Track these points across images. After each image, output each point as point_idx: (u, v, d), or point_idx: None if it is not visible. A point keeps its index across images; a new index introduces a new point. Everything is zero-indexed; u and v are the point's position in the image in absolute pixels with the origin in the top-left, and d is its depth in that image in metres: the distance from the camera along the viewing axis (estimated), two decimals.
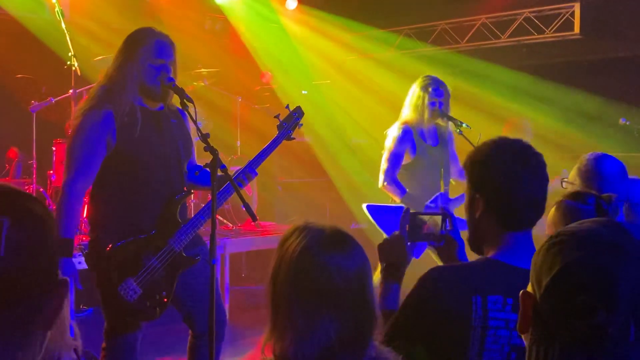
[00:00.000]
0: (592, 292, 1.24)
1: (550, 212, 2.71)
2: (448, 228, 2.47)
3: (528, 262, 2.09)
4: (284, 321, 1.67)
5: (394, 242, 2.42)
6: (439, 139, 5.31)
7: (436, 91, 5.21)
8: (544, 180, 2.17)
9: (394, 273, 2.39)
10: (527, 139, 7.32)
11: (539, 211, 2.19)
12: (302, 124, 4.04)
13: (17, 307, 1.10)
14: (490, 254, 2.18)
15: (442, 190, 5.32)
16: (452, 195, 5.30)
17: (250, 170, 3.75)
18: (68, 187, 3.45)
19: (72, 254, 3.45)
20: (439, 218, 2.47)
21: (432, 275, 2.15)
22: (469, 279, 2.13)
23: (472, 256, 2.38)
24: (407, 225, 2.43)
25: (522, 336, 1.39)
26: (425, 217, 2.49)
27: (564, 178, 6.90)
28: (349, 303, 1.68)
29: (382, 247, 2.43)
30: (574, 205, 2.61)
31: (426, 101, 5.18)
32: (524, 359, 1.99)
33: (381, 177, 5.23)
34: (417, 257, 5.10)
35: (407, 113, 5.25)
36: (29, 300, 1.12)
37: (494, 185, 2.15)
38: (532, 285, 1.35)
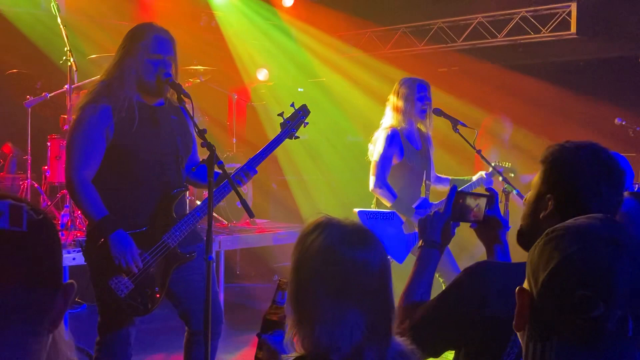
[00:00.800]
0: (590, 287, 1.23)
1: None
2: (493, 206, 2.42)
3: None
4: (312, 313, 1.69)
5: (434, 220, 2.39)
6: (421, 143, 5.30)
7: (421, 88, 5.19)
8: (620, 194, 2.06)
9: (430, 251, 2.36)
10: (507, 133, 7.33)
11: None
12: (307, 123, 3.99)
13: (34, 292, 1.13)
14: None
15: (423, 195, 5.33)
16: (432, 200, 5.30)
17: (250, 168, 3.74)
18: (74, 176, 3.46)
19: (116, 227, 3.43)
20: (482, 200, 2.42)
21: (481, 270, 2.09)
22: (517, 280, 2.06)
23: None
24: (452, 205, 2.39)
25: (518, 334, 1.38)
26: (470, 198, 2.43)
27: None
28: (374, 296, 1.71)
29: (421, 225, 2.41)
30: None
31: (414, 100, 5.16)
32: None
33: (372, 181, 5.20)
34: (400, 262, 5.10)
35: (394, 116, 5.21)
36: (45, 288, 1.15)
37: (570, 192, 2.01)
38: (529, 282, 1.34)
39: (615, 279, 1.23)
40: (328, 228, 1.74)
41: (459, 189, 2.43)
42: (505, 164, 5.52)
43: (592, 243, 1.27)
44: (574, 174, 2.03)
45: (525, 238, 2.10)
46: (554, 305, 1.27)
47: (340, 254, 1.69)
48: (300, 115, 3.97)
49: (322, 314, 1.67)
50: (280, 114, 3.95)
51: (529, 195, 2.13)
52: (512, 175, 5.59)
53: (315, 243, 1.72)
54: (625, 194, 2.61)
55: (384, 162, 5.16)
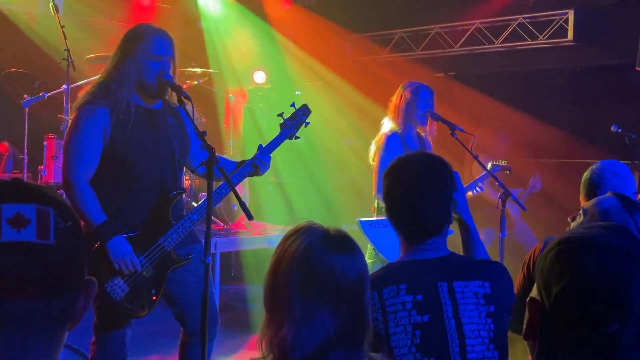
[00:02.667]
0: (605, 302, 1.22)
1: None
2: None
3: (424, 255, 2.33)
4: (283, 313, 1.69)
5: None
6: (420, 147, 5.29)
7: (425, 94, 5.19)
8: (433, 199, 2.35)
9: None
10: (502, 144, 7.30)
11: (433, 227, 2.36)
12: (309, 122, 3.98)
13: (61, 298, 1.11)
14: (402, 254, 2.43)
15: None
16: None
17: (247, 169, 3.74)
18: (72, 177, 3.46)
19: (114, 233, 3.43)
20: None
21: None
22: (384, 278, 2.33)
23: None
24: None
25: (527, 343, 1.37)
26: None
27: (538, 178, 6.93)
28: (348, 302, 1.72)
29: None
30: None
31: (416, 105, 5.15)
32: (428, 333, 2.21)
33: (375, 186, 5.17)
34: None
35: (395, 118, 5.20)
36: (70, 293, 1.12)
37: (388, 202, 2.44)
38: (540, 292, 1.32)
39: (631, 295, 1.22)
40: (309, 231, 1.76)
41: None
42: (501, 162, 5.54)
43: (606, 257, 1.25)
44: (385, 181, 2.49)
45: None
46: (567, 319, 1.26)
47: (318, 255, 1.72)
48: (300, 115, 3.95)
49: (291, 313, 1.68)
50: (280, 114, 3.92)
51: None
52: (508, 172, 5.60)
53: (294, 244, 1.74)
54: (608, 193, 2.68)
55: (385, 167, 5.14)
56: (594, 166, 3.55)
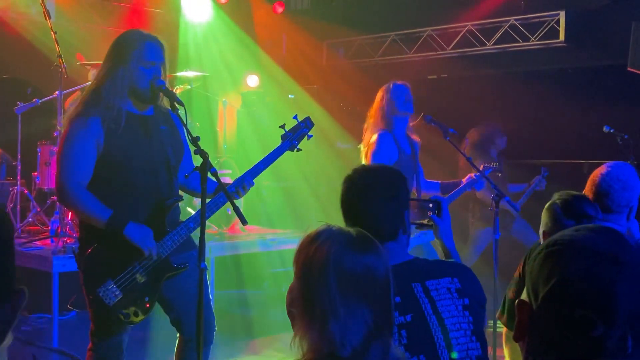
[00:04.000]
0: (591, 306, 1.23)
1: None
2: (434, 213, 2.78)
3: (392, 261, 2.26)
4: (325, 313, 1.78)
5: None
6: (410, 147, 5.31)
7: (399, 87, 5.22)
8: (382, 208, 2.45)
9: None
10: (498, 142, 7.32)
11: (385, 231, 2.42)
12: (311, 135, 3.96)
13: None
14: None
15: None
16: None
17: (247, 180, 3.72)
18: (67, 183, 3.45)
19: (126, 221, 3.42)
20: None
21: None
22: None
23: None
24: None
25: (518, 344, 1.38)
26: (413, 204, 2.78)
27: (544, 174, 6.98)
28: (381, 296, 1.84)
29: None
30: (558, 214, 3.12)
31: (394, 97, 5.18)
32: (414, 332, 2.24)
33: None
34: None
35: (379, 121, 5.22)
36: None
37: (344, 209, 2.54)
38: (528, 294, 1.33)
39: (616, 300, 1.22)
40: (333, 235, 1.85)
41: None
42: (493, 164, 5.56)
43: (592, 261, 1.26)
44: (341, 196, 2.58)
45: None
46: (554, 322, 1.27)
47: (352, 257, 1.82)
48: (302, 127, 3.92)
49: (334, 312, 1.77)
50: (282, 126, 3.88)
51: None
52: (499, 174, 5.62)
53: (322, 249, 1.82)
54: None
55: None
56: (603, 171, 3.55)
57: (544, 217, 3.21)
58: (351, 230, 1.89)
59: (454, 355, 2.29)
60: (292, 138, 3.88)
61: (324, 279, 1.79)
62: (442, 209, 2.75)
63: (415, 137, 5.32)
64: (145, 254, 3.45)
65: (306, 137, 3.95)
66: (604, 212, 3.33)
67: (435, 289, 2.37)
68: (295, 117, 3.94)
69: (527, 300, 1.34)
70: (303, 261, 1.85)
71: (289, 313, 1.92)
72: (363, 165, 2.64)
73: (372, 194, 2.47)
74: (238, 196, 3.66)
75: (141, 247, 3.43)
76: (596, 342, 1.23)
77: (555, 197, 3.21)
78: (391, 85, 5.24)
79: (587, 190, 3.54)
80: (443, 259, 2.80)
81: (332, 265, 1.79)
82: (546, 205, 3.22)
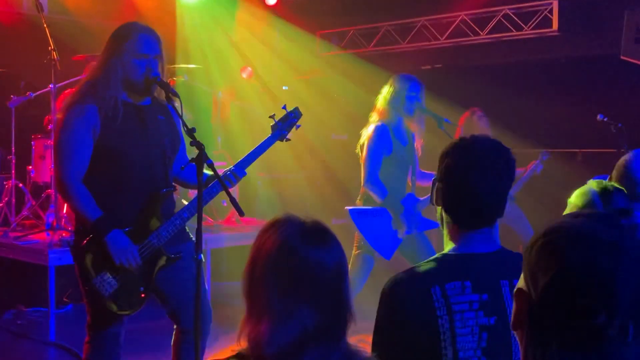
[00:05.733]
0: (592, 295, 1.23)
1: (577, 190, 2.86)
2: None
3: (483, 248, 2.20)
4: (261, 308, 1.69)
5: None
6: (407, 139, 5.31)
7: (415, 87, 5.21)
8: (503, 185, 2.20)
9: None
10: (482, 129, 7.34)
11: (492, 215, 2.23)
12: (300, 125, 3.95)
13: None
14: (446, 249, 2.26)
15: (410, 191, 5.33)
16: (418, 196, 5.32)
17: (238, 170, 3.72)
18: (65, 177, 3.46)
19: (112, 227, 3.43)
20: None
21: (387, 286, 2.18)
22: (423, 275, 2.17)
23: None
24: None
25: (516, 333, 1.38)
26: None
27: (543, 158, 6.98)
28: (326, 295, 1.71)
29: None
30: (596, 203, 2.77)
31: (405, 97, 5.18)
32: (495, 337, 2.10)
33: (364, 176, 5.18)
34: (387, 258, 5.14)
35: (383, 110, 5.22)
36: None
37: (445, 180, 2.23)
38: (527, 283, 1.33)
39: (617, 288, 1.22)
40: (286, 224, 1.75)
41: None
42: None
43: (592, 249, 1.25)
44: (448, 165, 2.22)
45: (438, 219, 2.34)
46: (554, 311, 1.27)
47: (295, 249, 1.70)
48: (291, 117, 3.91)
49: (269, 308, 1.67)
50: (272, 116, 3.89)
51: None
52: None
53: (272, 238, 1.73)
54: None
55: (374, 157, 5.14)
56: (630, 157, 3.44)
57: (577, 201, 2.93)
58: (307, 220, 1.76)
59: None
60: (282, 128, 3.89)
61: (265, 276, 1.70)
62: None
63: (412, 127, 5.33)
64: (115, 264, 3.44)
65: (295, 127, 3.94)
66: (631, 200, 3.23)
67: None
68: (284, 107, 3.94)
69: (525, 289, 1.33)
70: (253, 250, 1.76)
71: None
72: (474, 136, 2.29)
73: (487, 167, 2.17)
74: (230, 185, 3.64)
75: (114, 258, 3.43)
76: (598, 331, 1.23)
77: (593, 184, 2.95)
78: (408, 84, 5.20)
79: (615, 178, 3.46)
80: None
81: (274, 258, 1.70)
82: (581, 191, 2.93)
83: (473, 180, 2.16)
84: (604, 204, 2.82)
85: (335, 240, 1.77)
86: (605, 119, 6.62)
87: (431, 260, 2.24)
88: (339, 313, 1.73)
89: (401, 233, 5.10)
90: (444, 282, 2.13)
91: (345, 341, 1.75)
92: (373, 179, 5.12)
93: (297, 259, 1.69)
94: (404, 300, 2.12)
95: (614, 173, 3.41)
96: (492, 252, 2.23)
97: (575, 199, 2.90)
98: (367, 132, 5.21)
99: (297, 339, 1.66)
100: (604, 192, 2.85)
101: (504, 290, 2.16)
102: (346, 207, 5.20)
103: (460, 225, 2.23)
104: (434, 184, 2.28)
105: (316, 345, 1.67)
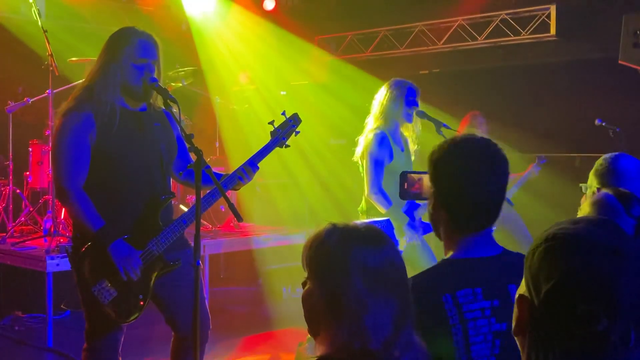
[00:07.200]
0: (594, 301, 1.23)
1: (587, 202, 2.72)
2: None
3: (487, 251, 2.16)
4: (353, 311, 1.74)
5: None
6: (404, 144, 5.29)
7: (412, 92, 5.19)
8: (498, 182, 2.16)
9: None
10: (481, 133, 7.37)
11: (491, 214, 2.18)
12: (299, 132, 3.94)
13: None
14: (448, 254, 2.22)
15: None
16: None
17: (252, 164, 3.72)
18: (66, 185, 3.44)
19: (113, 238, 3.41)
20: (426, 176, 2.46)
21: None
22: (432, 283, 2.15)
23: None
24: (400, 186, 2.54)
25: (517, 339, 1.38)
26: (416, 176, 2.61)
27: (540, 162, 6.98)
28: (402, 284, 1.81)
29: None
30: (617, 208, 2.58)
31: (403, 103, 5.15)
32: (507, 343, 2.05)
33: (367, 186, 5.12)
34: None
35: (380, 116, 5.17)
36: None
37: (441, 185, 2.17)
38: (528, 289, 1.33)
39: (619, 293, 1.23)
40: (345, 234, 1.81)
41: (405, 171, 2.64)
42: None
43: (593, 255, 1.26)
44: (443, 169, 2.16)
45: (433, 227, 2.30)
46: (557, 317, 1.27)
47: (371, 253, 1.77)
48: (291, 124, 3.91)
49: (366, 307, 1.73)
50: (271, 122, 3.89)
51: None
52: None
53: (339, 249, 1.78)
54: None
55: (377, 167, 5.09)
56: (606, 157, 3.39)
57: (590, 209, 2.74)
58: (358, 226, 1.84)
59: None
60: (281, 134, 3.88)
61: (350, 279, 1.74)
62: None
63: (408, 133, 5.31)
64: (120, 274, 3.43)
65: (294, 133, 3.93)
66: None
67: None
68: (283, 114, 3.94)
69: (526, 295, 1.33)
70: (320, 264, 1.80)
71: (309, 318, 1.83)
72: (467, 135, 2.26)
73: (487, 166, 2.13)
74: (243, 180, 3.68)
75: (118, 268, 3.42)
76: (600, 336, 1.23)
77: (610, 191, 2.77)
78: (405, 89, 5.15)
79: (593, 180, 3.41)
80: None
81: (354, 263, 1.75)
82: (595, 199, 2.74)
83: (470, 181, 2.11)
84: (628, 211, 2.65)
85: (388, 235, 1.86)
86: (603, 124, 6.63)
87: (437, 267, 2.22)
88: (410, 298, 1.82)
89: (403, 243, 5.08)
90: (455, 289, 2.11)
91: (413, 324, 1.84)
92: (377, 188, 5.07)
93: (375, 259, 1.77)
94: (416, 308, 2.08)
95: (597, 180, 3.32)
96: (496, 255, 2.20)
97: (588, 208, 2.74)
98: (366, 141, 5.15)
99: (392, 328, 1.74)
100: (623, 197, 2.69)
101: (512, 294, 2.10)
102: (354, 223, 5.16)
103: (460, 229, 2.19)
104: (431, 193, 2.23)
105: (403, 331, 1.76)
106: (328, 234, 1.81)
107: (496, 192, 2.16)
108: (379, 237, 1.83)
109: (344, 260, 1.76)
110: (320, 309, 1.79)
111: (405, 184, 2.59)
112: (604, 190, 2.75)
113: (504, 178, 2.16)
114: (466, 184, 2.12)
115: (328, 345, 1.77)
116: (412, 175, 2.59)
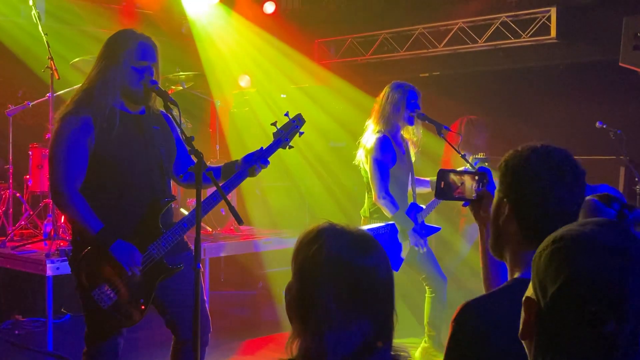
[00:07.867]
0: (602, 303, 1.22)
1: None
2: (485, 183, 2.37)
3: None
4: (319, 321, 1.67)
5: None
6: (404, 147, 5.29)
7: (413, 94, 5.18)
8: (579, 197, 2.04)
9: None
10: (483, 136, 7.35)
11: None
12: (303, 132, 3.91)
13: None
14: (516, 273, 2.03)
15: (411, 198, 5.29)
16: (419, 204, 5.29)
17: (263, 160, 3.72)
18: (62, 188, 3.42)
19: (115, 237, 3.40)
20: (467, 177, 2.39)
21: (465, 314, 1.95)
22: (504, 305, 1.94)
23: None
24: (436, 183, 2.37)
25: (524, 343, 1.37)
26: (455, 175, 2.40)
27: None
28: (381, 302, 1.72)
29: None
30: (598, 206, 2.54)
31: (405, 106, 5.14)
32: None
33: (375, 191, 5.10)
34: (396, 270, 5.11)
35: (381, 119, 5.17)
36: None
37: (521, 195, 2.01)
38: (535, 291, 1.32)
39: (626, 295, 1.22)
40: (333, 235, 1.73)
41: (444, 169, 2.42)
42: (479, 155, 5.57)
43: (601, 256, 1.25)
44: (523, 176, 2.01)
45: (494, 247, 2.10)
46: (564, 319, 1.26)
47: (349, 261, 1.69)
48: (294, 124, 3.88)
49: (330, 323, 1.65)
50: (274, 123, 3.86)
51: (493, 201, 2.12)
52: (487, 164, 5.63)
53: (322, 250, 1.70)
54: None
55: (383, 171, 5.09)
56: None
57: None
58: (352, 229, 1.76)
59: None
60: (285, 135, 3.86)
61: (322, 287, 1.67)
62: (489, 181, 2.37)
63: (408, 135, 5.30)
64: (124, 273, 3.42)
65: (298, 134, 3.91)
66: None
67: None
68: (286, 114, 3.92)
69: (533, 297, 1.32)
70: (302, 261, 1.74)
71: (287, 311, 1.77)
72: (546, 146, 2.08)
73: (572, 177, 2.01)
74: (257, 171, 3.69)
75: (124, 266, 3.41)
76: (608, 339, 1.22)
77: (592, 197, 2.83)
78: (407, 92, 5.15)
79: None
80: (467, 247, 2.56)
81: (331, 270, 1.68)
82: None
83: (556, 191, 1.98)
84: (607, 203, 2.44)
85: (381, 247, 1.77)
86: (604, 126, 6.62)
87: (508, 287, 2.03)
88: (391, 316, 1.74)
89: (405, 251, 5.07)
90: None
91: (391, 346, 1.75)
92: (385, 192, 5.06)
93: (352, 269, 1.68)
94: (484, 333, 1.90)
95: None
96: None
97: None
98: (369, 144, 5.14)
99: (358, 347, 1.65)
100: (604, 198, 2.48)
101: None
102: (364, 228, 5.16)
103: (531, 242, 1.95)
104: (498, 204, 2.06)
105: (371, 353, 1.67)
106: (319, 232, 1.74)
107: (578, 204, 2.04)
108: (368, 244, 1.75)
109: (323, 264, 1.69)
110: (294, 306, 1.74)
111: (442, 182, 2.39)
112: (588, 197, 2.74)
113: (584, 190, 2.06)
114: (552, 194, 1.98)
115: (295, 345, 1.71)
116: (453, 175, 2.40)
